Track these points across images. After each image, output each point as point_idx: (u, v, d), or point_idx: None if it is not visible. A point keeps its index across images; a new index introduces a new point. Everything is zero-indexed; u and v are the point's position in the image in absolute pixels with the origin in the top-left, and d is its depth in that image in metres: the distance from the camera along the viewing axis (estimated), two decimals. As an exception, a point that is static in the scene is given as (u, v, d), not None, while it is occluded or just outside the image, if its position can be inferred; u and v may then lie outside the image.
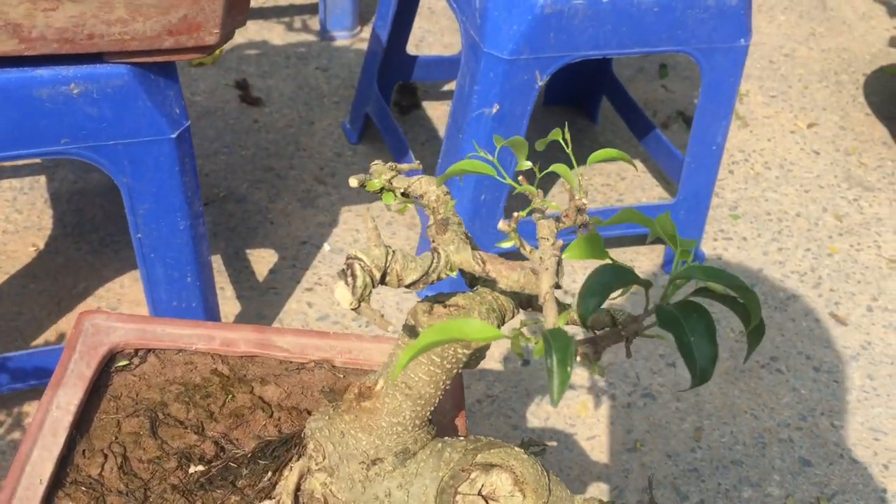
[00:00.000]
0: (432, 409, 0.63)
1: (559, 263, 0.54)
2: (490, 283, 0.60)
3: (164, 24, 0.91)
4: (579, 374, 1.36)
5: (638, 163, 1.81)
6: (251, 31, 1.99)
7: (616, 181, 1.76)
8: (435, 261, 0.55)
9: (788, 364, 1.44)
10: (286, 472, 0.67)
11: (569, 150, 0.58)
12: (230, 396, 0.79)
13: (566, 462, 1.24)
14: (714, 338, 0.51)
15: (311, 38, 2.02)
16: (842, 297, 1.56)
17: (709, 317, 0.51)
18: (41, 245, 1.43)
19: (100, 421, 0.76)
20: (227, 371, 0.81)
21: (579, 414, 1.31)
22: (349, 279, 0.53)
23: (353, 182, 0.62)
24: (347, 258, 0.55)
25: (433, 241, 0.57)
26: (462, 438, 0.67)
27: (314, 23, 2.05)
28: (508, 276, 0.59)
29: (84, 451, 0.74)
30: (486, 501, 0.61)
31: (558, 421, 1.30)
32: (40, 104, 0.92)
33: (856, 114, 2.04)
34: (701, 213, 1.52)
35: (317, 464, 0.63)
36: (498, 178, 0.58)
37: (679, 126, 1.93)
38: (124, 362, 0.81)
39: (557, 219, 0.58)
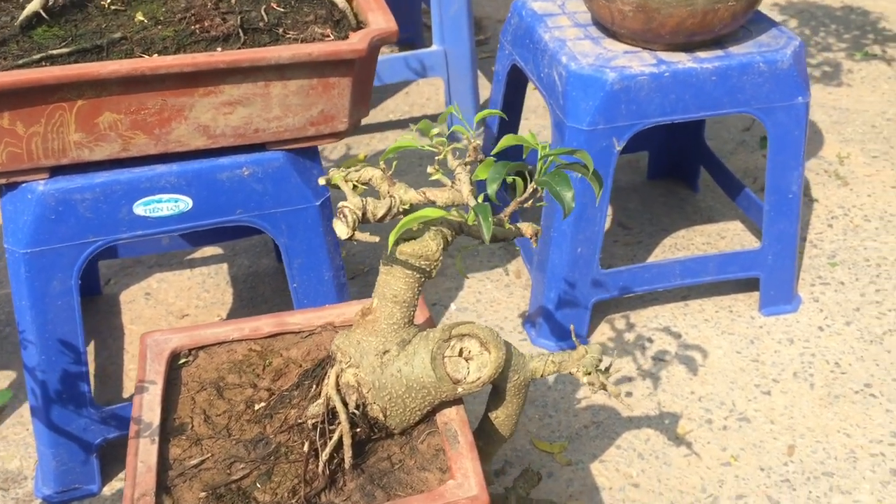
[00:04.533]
0: (413, 310, 0.94)
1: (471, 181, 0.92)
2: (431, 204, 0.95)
3: (308, 117, 1.23)
4: (677, 402, 1.51)
5: (737, 223, 1.97)
6: (386, 137, 2.33)
7: (716, 240, 1.93)
8: (393, 201, 0.89)
9: (882, 390, 1.52)
10: (325, 380, 0.94)
11: (461, 117, 0.95)
12: (267, 362, 1.07)
13: (664, 474, 1.39)
14: (570, 185, 0.86)
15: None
16: (940, 330, 1.63)
17: (566, 176, 0.88)
18: (224, 315, 1.76)
19: (179, 400, 1.03)
20: (259, 348, 1.09)
21: (678, 435, 1.46)
22: (342, 219, 0.83)
23: (321, 181, 0.94)
24: (339, 206, 0.86)
25: (388, 192, 0.86)
26: (437, 327, 0.97)
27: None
28: (442, 195, 0.92)
29: (174, 419, 1.01)
30: (465, 360, 0.89)
31: (658, 441, 1.45)
32: (222, 184, 1.24)
33: (960, 166, 2.11)
34: (788, 258, 1.66)
35: (346, 363, 0.92)
36: (418, 146, 0.93)
37: (779, 189, 2.07)
38: (183, 360, 1.08)
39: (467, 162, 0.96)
